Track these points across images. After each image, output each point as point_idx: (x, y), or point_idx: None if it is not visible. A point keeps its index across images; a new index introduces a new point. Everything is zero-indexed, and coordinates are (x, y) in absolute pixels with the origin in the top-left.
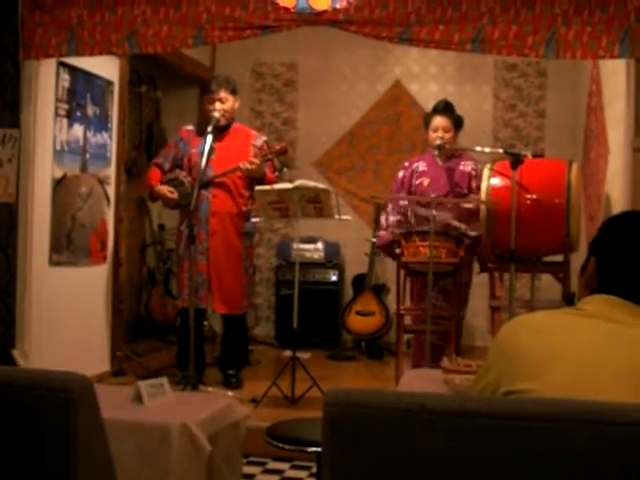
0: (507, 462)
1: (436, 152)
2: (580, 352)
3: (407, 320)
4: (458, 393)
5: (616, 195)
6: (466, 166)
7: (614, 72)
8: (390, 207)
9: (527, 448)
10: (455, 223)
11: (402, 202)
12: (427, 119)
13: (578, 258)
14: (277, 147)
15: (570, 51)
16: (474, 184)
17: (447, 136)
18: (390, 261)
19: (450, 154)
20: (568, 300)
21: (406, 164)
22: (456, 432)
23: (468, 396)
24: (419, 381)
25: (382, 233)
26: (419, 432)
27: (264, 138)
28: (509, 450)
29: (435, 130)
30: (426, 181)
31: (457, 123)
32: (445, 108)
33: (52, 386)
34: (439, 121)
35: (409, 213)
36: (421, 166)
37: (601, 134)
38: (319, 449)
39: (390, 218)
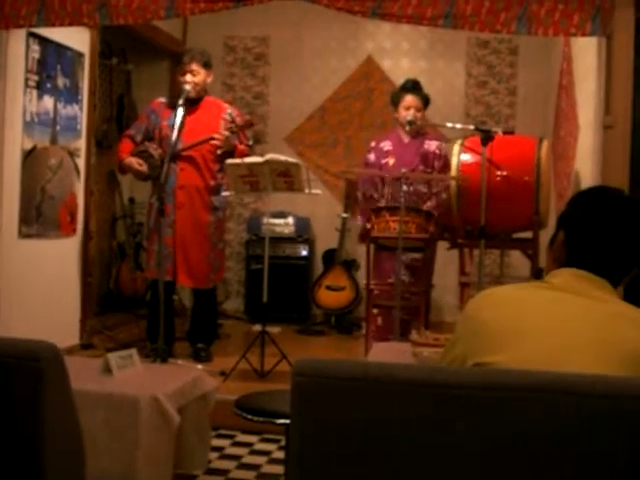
0: (475, 432)
1: (407, 127)
2: (547, 325)
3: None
4: (426, 365)
5: (586, 172)
6: (430, 145)
7: (585, 50)
8: (361, 196)
9: (495, 419)
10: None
11: (372, 193)
12: (396, 98)
13: (547, 235)
14: (245, 119)
15: (542, 28)
16: (436, 164)
17: (419, 115)
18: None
19: (416, 132)
20: (537, 276)
21: (372, 144)
22: (424, 402)
23: (436, 367)
24: (388, 354)
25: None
26: (387, 402)
27: (230, 111)
28: (477, 420)
29: (407, 108)
30: (391, 161)
31: (425, 101)
32: (415, 86)
33: (20, 355)
34: (411, 100)
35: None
36: (386, 146)
37: (571, 112)
38: (288, 421)
39: (360, 197)
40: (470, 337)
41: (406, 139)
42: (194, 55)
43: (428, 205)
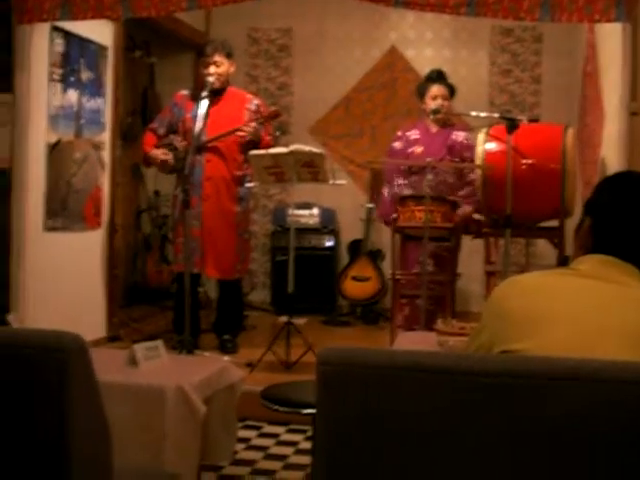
0: (501, 419)
1: (432, 116)
2: (574, 312)
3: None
4: (452, 353)
5: (612, 159)
6: (458, 136)
7: (610, 36)
8: (387, 181)
9: (524, 406)
10: (477, 216)
11: (397, 180)
12: (422, 88)
13: (573, 223)
14: (270, 110)
15: (566, 14)
16: (465, 154)
17: (446, 104)
18: (385, 227)
19: (443, 122)
20: (563, 264)
21: (399, 133)
22: (451, 390)
23: (463, 354)
24: (413, 343)
25: (382, 209)
26: (413, 390)
27: (257, 102)
28: (505, 408)
29: (434, 98)
30: (419, 149)
31: (452, 91)
32: (440, 76)
33: (46, 345)
34: (437, 89)
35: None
36: (414, 134)
37: (597, 99)
38: (314, 411)
39: (386, 191)
40: (496, 324)
41: (434, 129)
42: (216, 46)
43: (461, 194)
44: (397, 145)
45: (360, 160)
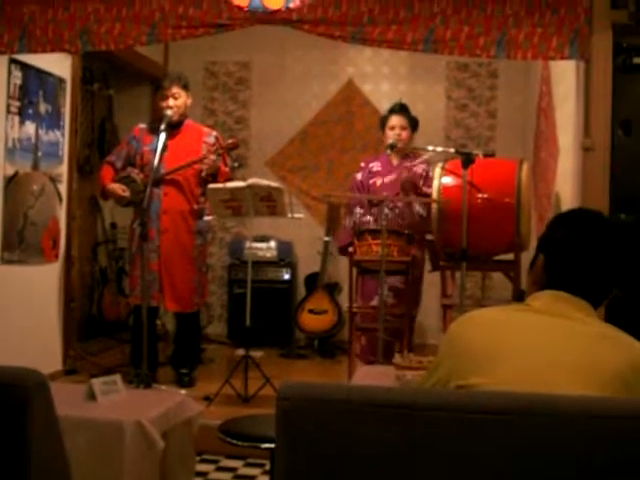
0: (459, 455)
1: (388, 151)
2: (529, 348)
3: (358, 318)
4: (409, 387)
5: (566, 194)
6: (418, 168)
7: (564, 73)
8: (357, 210)
9: (479, 441)
10: (429, 237)
11: (358, 208)
12: (383, 120)
13: (528, 257)
14: (228, 142)
15: (521, 52)
16: (423, 186)
17: (404, 134)
18: (343, 260)
19: (405, 155)
20: (518, 298)
21: (362, 164)
22: (408, 426)
23: (419, 389)
24: (371, 377)
25: (341, 235)
26: (372, 426)
27: (215, 134)
28: (461, 443)
29: (392, 128)
30: (379, 181)
31: (413, 123)
32: (401, 108)
33: (6, 381)
34: (396, 120)
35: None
36: (376, 166)
37: (551, 134)
38: (273, 445)
39: (347, 220)
40: (453, 359)
41: (395, 161)
42: (173, 79)
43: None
44: (359, 176)
45: (317, 193)
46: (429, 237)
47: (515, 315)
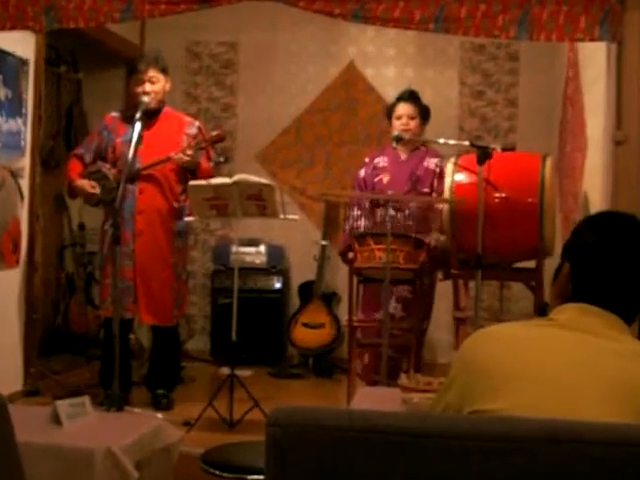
0: None
1: (394, 143)
2: (552, 368)
3: (359, 333)
4: (417, 412)
5: (595, 193)
6: (430, 162)
7: (593, 56)
8: (354, 211)
9: (495, 472)
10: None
11: (355, 209)
12: (390, 109)
13: (552, 264)
14: (212, 134)
15: (544, 33)
16: (436, 183)
17: (412, 124)
18: (342, 267)
19: (414, 148)
20: (541, 311)
21: (367, 160)
22: (416, 455)
23: (428, 415)
24: (374, 400)
25: (340, 239)
26: (374, 456)
27: (198, 124)
28: (476, 475)
29: (399, 118)
30: (385, 178)
31: (423, 113)
32: (410, 96)
33: None
34: (403, 108)
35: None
36: (382, 162)
37: (578, 125)
38: (262, 477)
39: (347, 223)
40: (466, 381)
41: (403, 155)
42: (150, 61)
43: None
44: (361, 173)
45: (313, 192)
46: (427, 239)
47: (537, 331)
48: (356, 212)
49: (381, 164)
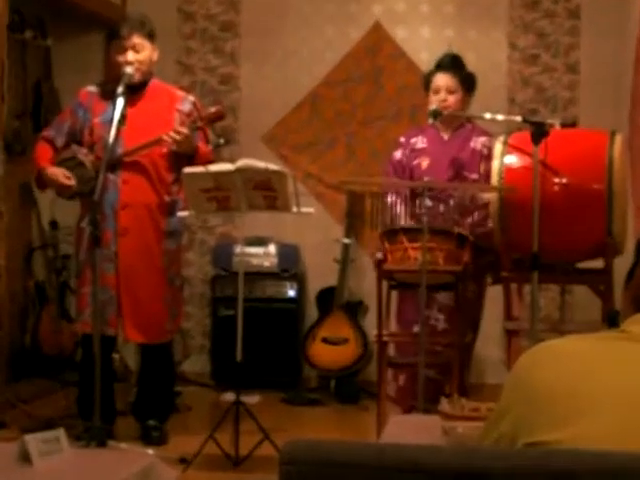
0: None
1: (430, 120)
2: (626, 390)
3: (392, 349)
4: (462, 446)
5: None
6: (477, 142)
7: None
8: (391, 198)
9: None
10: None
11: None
12: (427, 79)
13: (624, 264)
14: (210, 110)
15: None
16: (483, 167)
17: (451, 99)
18: (370, 269)
19: (458, 125)
20: (611, 321)
21: (402, 139)
22: None
23: (477, 449)
24: (409, 431)
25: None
26: None
27: (192, 99)
28: None
29: (436, 92)
30: (425, 162)
31: (467, 83)
32: (451, 64)
33: None
34: (441, 79)
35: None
36: (420, 142)
37: None
38: None
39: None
40: (522, 407)
41: (446, 135)
42: (134, 25)
43: (468, 221)
44: (397, 155)
45: (332, 179)
46: (458, 230)
47: (607, 345)
48: (393, 199)
49: (419, 145)
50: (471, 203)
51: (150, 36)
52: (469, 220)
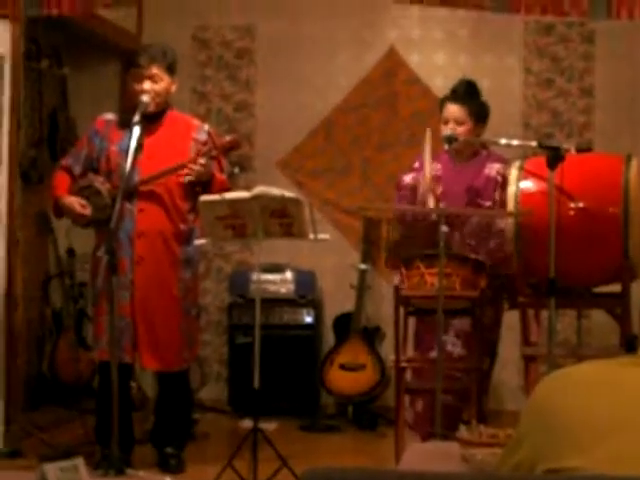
0: None
1: (445, 146)
2: None
3: (409, 375)
4: (482, 473)
5: None
6: (492, 169)
7: None
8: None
9: None
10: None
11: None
12: (440, 107)
13: None
14: (225, 140)
15: (626, 8)
16: (498, 195)
17: (460, 130)
18: (387, 295)
19: (473, 152)
20: (629, 345)
21: (416, 165)
22: None
23: (495, 476)
24: (428, 458)
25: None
26: None
27: (207, 128)
28: None
29: (445, 122)
30: (439, 189)
31: (478, 113)
32: (463, 93)
33: None
34: (450, 110)
35: None
36: (435, 169)
37: None
38: None
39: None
40: (540, 433)
41: (459, 163)
42: (154, 55)
43: (487, 248)
44: (407, 179)
45: (348, 205)
46: (473, 256)
47: (626, 371)
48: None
49: (433, 172)
50: (486, 230)
51: (170, 69)
52: (488, 246)
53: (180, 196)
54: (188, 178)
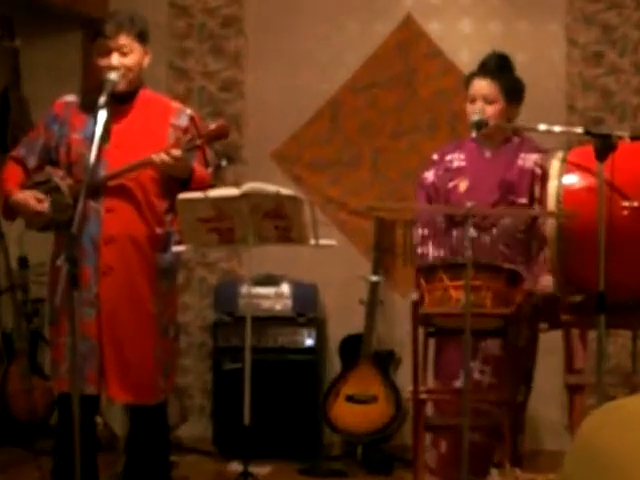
0: None
1: (473, 133)
2: None
3: (430, 409)
4: None
5: None
6: (526, 160)
7: None
8: (419, 231)
9: None
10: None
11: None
12: (466, 84)
13: None
14: (211, 127)
15: None
16: (538, 190)
17: (489, 110)
18: (404, 313)
19: (504, 139)
20: None
21: (435, 157)
22: None
23: None
24: None
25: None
26: None
27: (190, 112)
28: None
29: (472, 101)
30: (463, 184)
31: (512, 90)
32: (493, 66)
33: None
34: (478, 86)
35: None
36: (457, 160)
37: None
38: None
39: (430, 250)
40: (588, 477)
41: (488, 152)
42: (121, 22)
43: (543, 257)
44: (429, 177)
45: (357, 204)
46: (507, 266)
47: None
48: (422, 232)
49: (456, 164)
50: (526, 233)
51: (141, 37)
52: (540, 257)
53: (156, 193)
54: (161, 169)
